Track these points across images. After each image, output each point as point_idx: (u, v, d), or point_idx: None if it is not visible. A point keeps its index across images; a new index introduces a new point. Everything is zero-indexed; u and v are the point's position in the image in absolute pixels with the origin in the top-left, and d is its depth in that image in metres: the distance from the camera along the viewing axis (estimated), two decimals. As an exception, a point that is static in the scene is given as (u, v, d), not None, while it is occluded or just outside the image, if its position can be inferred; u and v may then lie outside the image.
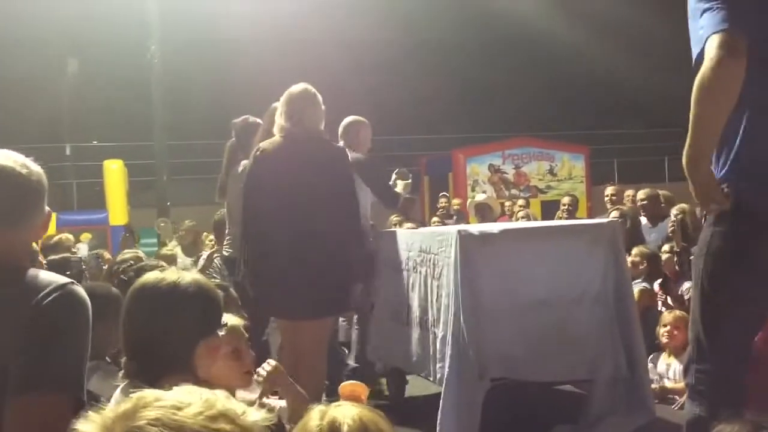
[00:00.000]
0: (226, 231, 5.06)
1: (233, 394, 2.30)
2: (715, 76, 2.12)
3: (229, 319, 2.44)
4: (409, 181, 5.02)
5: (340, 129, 4.92)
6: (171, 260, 5.79)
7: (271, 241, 3.74)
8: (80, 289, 1.65)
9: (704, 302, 2.41)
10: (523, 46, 19.09)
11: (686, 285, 5.00)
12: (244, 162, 4.58)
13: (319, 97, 3.87)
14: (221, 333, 1.90)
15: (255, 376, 2.45)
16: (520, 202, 9.26)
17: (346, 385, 1.90)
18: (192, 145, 15.73)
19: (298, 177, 3.71)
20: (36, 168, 1.72)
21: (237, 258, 4.40)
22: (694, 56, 2.27)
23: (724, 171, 2.27)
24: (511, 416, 4.11)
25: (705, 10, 2.22)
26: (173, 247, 6.98)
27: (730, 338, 2.38)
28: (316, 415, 1.46)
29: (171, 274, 1.83)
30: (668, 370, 4.69)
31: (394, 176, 5.00)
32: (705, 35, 2.19)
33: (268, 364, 2.49)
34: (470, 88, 19.48)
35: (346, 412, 1.45)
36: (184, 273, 1.87)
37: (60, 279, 1.63)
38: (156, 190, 12.93)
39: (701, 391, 2.40)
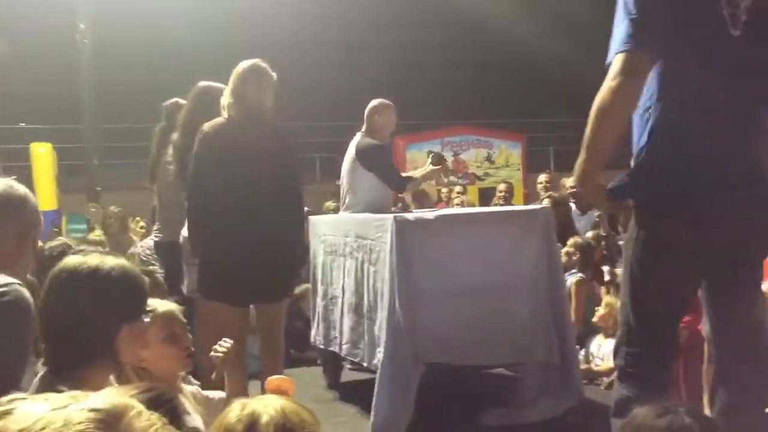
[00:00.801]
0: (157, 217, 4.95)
1: (174, 378, 2.28)
2: (614, 100, 2.29)
3: (164, 303, 2.41)
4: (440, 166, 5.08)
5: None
6: (100, 246, 5.62)
7: (221, 225, 3.64)
8: (22, 291, 1.64)
9: (633, 287, 2.49)
10: (461, 35, 19.21)
11: (606, 269, 5.18)
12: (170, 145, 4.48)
13: (269, 74, 3.70)
14: (147, 318, 1.86)
15: (211, 353, 2.44)
16: (457, 188, 9.33)
17: (273, 380, 1.87)
18: (124, 128, 15.28)
19: (241, 161, 3.61)
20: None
21: (169, 243, 4.30)
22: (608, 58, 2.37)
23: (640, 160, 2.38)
24: (445, 400, 4.16)
25: (621, 19, 2.34)
26: (101, 234, 6.78)
27: (658, 322, 2.47)
28: (236, 407, 1.43)
29: (93, 258, 1.78)
30: (599, 350, 4.82)
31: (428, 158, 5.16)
32: (613, 49, 2.33)
33: (226, 342, 2.46)
34: (409, 76, 19.52)
35: (267, 403, 1.42)
36: (108, 257, 1.81)
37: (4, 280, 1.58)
38: (86, 174, 12.54)
39: (630, 372, 2.48)
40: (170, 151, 4.33)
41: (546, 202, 6.06)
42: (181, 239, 4.14)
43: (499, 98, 18.88)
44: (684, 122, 2.36)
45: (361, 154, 4.66)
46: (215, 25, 15.64)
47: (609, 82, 2.31)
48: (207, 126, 3.67)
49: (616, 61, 2.31)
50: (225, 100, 3.68)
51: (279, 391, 1.64)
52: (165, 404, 1.39)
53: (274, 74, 3.72)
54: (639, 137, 2.43)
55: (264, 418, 1.37)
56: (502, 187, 8.16)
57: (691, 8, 2.33)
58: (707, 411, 2.70)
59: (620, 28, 2.35)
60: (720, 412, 2.55)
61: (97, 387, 1.46)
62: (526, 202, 11.46)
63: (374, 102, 4.96)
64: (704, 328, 2.67)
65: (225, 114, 3.66)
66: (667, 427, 1.50)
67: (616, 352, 2.59)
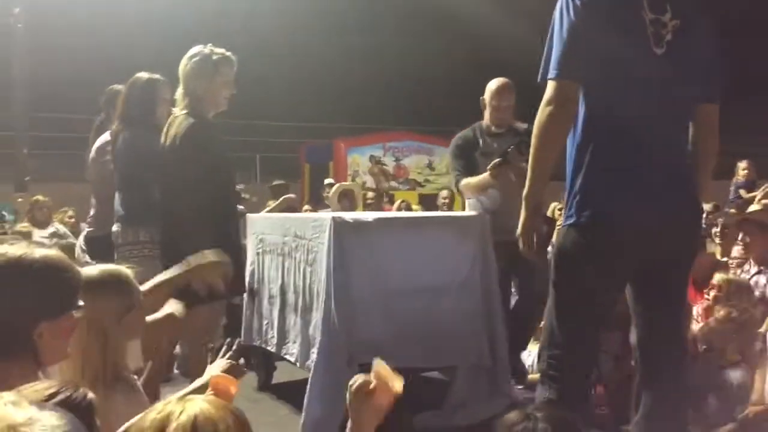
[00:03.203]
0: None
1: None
2: (549, 128, 2.44)
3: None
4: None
5: None
6: (26, 237, 5.44)
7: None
8: None
9: (557, 292, 2.57)
10: (407, 41, 19.34)
11: None
12: (104, 136, 4.37)
13: (207, 66, 3.47)
14: (78, 314, 1.78)
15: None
16: (400, 195, 9.41)
17: (213, 377, 1.84)
18: (56, 118, 14.80)
19: (162, 157, 3.52)
20: None
21: (101, 237, 4.19)
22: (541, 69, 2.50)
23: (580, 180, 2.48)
24: (377, 402, 4.16)
25: (556, 38, 2.44)
26: (29, 225, 6.55)
27: (580, 327, 2.56)
28: (157, 407, 1.39)
29: (16, 249, 1.68)
30: (528, 356, 4.90)
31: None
32: (545, 72, 2.45)
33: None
34: (354, 79, 19.53)
35: (187, 407, 1.37)
36: (33, 248, 1.73)
37: None
38: (14, 164, 12.10)
39: (552, 375, 2.56)
40: (98, 143, 4.21)
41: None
42: (113, 234, 4.04)
43: (442, 105, 19.06)
44: (611, 139, 2.45)
45: None
46: (158, 12, 15.29)
47: (544, 109, 2.45)
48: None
49: (549, 87, 2.45)
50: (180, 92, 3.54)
51: (219, 390, 1.61)
52: (78, 406, 1.33)
53: (229, 61, 3.51)
54: (570, 162, 2.53)
55: (172, 426, 1.34)
56: (444, 193, 8.28)
57: (617, 29, 2.43)
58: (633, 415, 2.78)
59: (555, 48, 2.43)
60: (643, 417, 2.64)
61: (15, 384, 1.39)
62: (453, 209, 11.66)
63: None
64: (631, 336, 2.77)
65: (179, 108, 3.52)
66: None
67: (539, 356, 2.67)
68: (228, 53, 3.52)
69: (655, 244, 2.46)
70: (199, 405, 1.39)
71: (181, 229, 3.39)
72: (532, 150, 2.51)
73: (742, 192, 7.63)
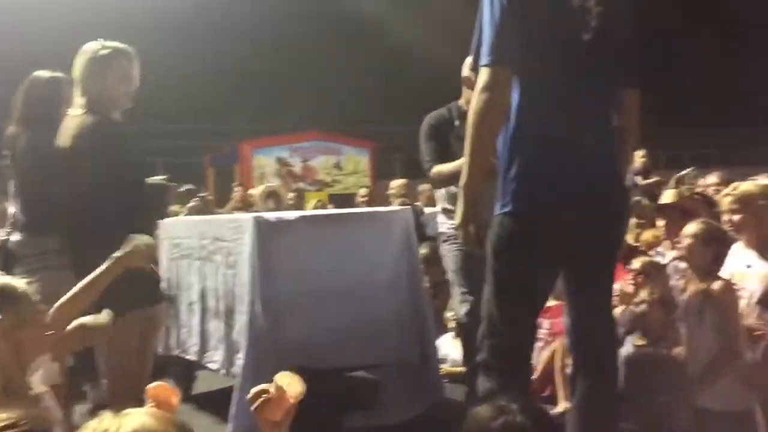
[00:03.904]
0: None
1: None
2: (484, 114, 2.43)
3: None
4: None
5: None
6: None
7: None
8: None
9: (495, 282, 2.56)
10: (314, 40, 19.21)
11: None
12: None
13: (98, 62, 3.22)
14: None
15: None
16: (309, 196, 9.30)
17: (151, 389, 1.73)
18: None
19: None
20: None
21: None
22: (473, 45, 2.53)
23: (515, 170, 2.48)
24: (307, 404, 4.06)
25: (487, 23, 2.44)
26: None
27: (520, 314, 2.56)
28: (93, 423, 1.30)
29: None
30: (453, 351, 4.93)
31: None
32: (477, 59, 2.47)
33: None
34: (258, 79, 19.23)
35: (125, 422, 1.28)
36: None
37: None
38: None
39: (493, 365, 2.55)
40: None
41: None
42: (10, 244, 3.76)
43: (349, 105, 19.06)
44: (543, 127, 2.47)
45: None
46: (58, 9, 14.51)
47: (478, 96, 2.44)
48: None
49: (482, 73, 2.44)
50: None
51: (160, 401, 1.51)
52: None
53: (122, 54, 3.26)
54: (504, 149, 2.53)
55: None
56: (363, 191, 8.23)
57: (546, 15, 2.45)
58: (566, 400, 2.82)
59: (486, 34, 2.43)
60: (579, 403, 2.67)
61: None
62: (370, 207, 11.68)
63: None
64: (563, 319, 2.80)
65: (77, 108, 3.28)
66: (502, 427, 1.52)
67: (479, 347, 2.65)
68: (122, 46, 3.30)
69: (589, 230, 2.50)
70: (139, 419, 1.31)
71: (87, 236, 3.18)
72: (468, 139, 2.50)
73: (638, 179, 7.93)
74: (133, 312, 3.05)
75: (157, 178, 3.55)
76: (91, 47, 3.26)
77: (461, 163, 3.33)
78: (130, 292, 3.02)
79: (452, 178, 3.50)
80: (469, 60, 3.34)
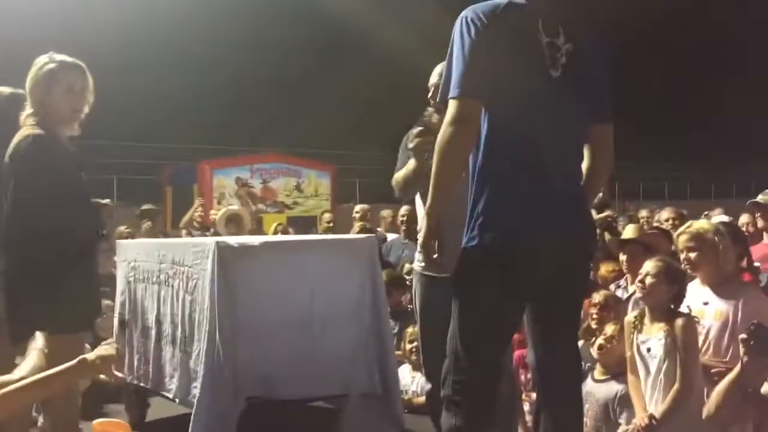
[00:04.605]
0: None
1: None
2: (451, 147, 2.43)
3: None
4: None
5: None
6: None
7: None
8: None
9: (461, 317, 2.54)
10: (276, 61, 19.18)
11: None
12: None
13: (44, 75, 3.13)
14: None
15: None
16: (269, 218, 9.17)
17: (98, 424, 1.66)
18: None
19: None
20: None
21: None
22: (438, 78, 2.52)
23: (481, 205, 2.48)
24: (265, 436, 3.98)
25: (456, 57, 2.44)
26: None
27: (484, 350, 2.53)
28: None
29: None
30: (413, 382, 4.88)
31: None
32: (445, 91, 2.45)
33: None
34: (218, 98, 19.09)
35: None
36: None
37: None
38: None
39: (457, 401, 2.52)
40: None
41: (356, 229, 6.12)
42: None
43: (310, 127, 19.03)
44: (511, 161, 2.47)
45: None
46: (17, 23, 14.22)
47: (445, 128, 2.44)
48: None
49: (451, 106, 2.44)
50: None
51: None
52: None
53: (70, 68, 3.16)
54: (472, 182, 2.52)
55: None
56: (327, 216, 8.13)
57: (515, 51, 2.46)
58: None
59: (455, 67, 2.43)
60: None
61: None
62: (333, 232, 11.63)
63: None
64: (528, 356, 2.79)
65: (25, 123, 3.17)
66: None
67: (443, 382, 2.62)
68: (71, 60, 3.21)
69: (555, 266, 2.49)
70: None
71: (17, 254, 3.08)
72: (434, 168, 2.49)
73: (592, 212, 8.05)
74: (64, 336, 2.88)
75: (99, 201, 3.44)
76: (39, 60, 3.18)
77: (410, 168, 3.33)
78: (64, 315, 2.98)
79: (405, 186, 3.40)
80: (438, 68, 3.25)
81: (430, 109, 3.33)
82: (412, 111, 3.55)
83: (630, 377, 3.28)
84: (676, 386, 3.10)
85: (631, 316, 3.34)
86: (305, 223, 12.15)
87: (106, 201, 3.48)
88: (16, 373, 2.23)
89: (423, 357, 3.53)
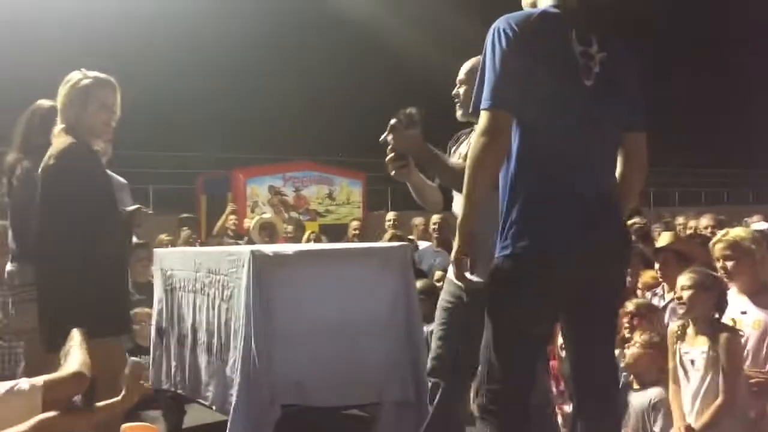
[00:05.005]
0: None
1: None
2: (482, 158, 2.43)
3: None
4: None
5: None
6: None
7: None
8: None
9: (493, 326, 2.54)
10: (308, 69, 19.32)
11: None
12: None
13: (78, 92, 3.27)
14: None
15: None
16: (308, 225, 9.20)
17: (128, 427, 1.69)
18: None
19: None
20: None
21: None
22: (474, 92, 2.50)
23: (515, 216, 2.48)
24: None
25: (489, 69, 2.44)
26: None
27: (517, 360, 2.53)
28: None
29: None
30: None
31: None
32: (477, 103, 2.46)
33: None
34: (252, 108, 19.28)
35: None
36: None
37: None
38: None
39: (491, 410, 2.52)
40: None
41: (387, 237, 6.13)
42: (7, 274, 3.72)
43: (342, 135, 19.12)
44: (545, 170, 2.47)
45: None
46: (49, 37, 14.55)
47: (477, 140, 2.44)
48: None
49: (482, 117, 2.44)
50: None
51: None
52: None
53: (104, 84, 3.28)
54: (504, 192, 2.52)
55: None
56: (355, 224, 8.13)
57: (548, 60, 2.46)
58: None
59: (487, 78, 2.44)
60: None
61: None
62: (363, 240, 11.64)
63: None
64: (564, 366, 2.78)
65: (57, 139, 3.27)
66: None
67: (477, 392, 2.62)
68: (103, 76, 3.32)
69: (589, 274, 2.48)
70: None
71: (49, 261, 3.19)
72: (466, 180, 2.50)
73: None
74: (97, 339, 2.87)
75: (129, 208, 3.53)
76: (73, 77, 3.29)
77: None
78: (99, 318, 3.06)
79: (422, 201, 3.51)
80: (467, 64, 3.30)
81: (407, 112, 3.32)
82: (444, 119, 3.57)
83: (671, 386, 3.25)
84: (719, 400, 3.05)
85: (674, 326, 3.30)
86: (337, 231, 12.20)
87: (135, 207, 3.56)
88: (63, 370, 2.29)
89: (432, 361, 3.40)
